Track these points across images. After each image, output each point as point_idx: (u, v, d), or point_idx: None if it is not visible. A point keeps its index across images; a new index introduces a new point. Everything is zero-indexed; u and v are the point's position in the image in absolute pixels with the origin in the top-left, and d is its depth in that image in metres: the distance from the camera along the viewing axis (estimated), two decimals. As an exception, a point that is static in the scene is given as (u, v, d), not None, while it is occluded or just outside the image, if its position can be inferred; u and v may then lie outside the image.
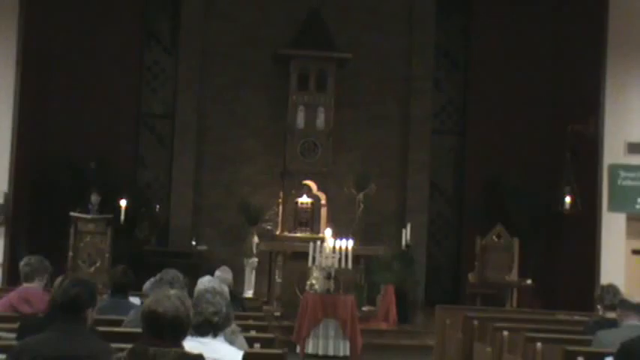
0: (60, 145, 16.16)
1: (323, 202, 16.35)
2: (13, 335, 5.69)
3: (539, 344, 7.73)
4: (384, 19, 18.08)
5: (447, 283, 18.15)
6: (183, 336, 3.97)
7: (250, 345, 5.99)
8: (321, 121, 16.57)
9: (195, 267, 14.61)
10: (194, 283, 6.92)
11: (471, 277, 15.74)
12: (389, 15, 18.13)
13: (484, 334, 9.47)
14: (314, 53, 16.55)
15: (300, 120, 16.58)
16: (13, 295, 7.32)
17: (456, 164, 18.57)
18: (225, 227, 17.22)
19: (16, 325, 5.84)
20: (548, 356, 7.49)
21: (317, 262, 12.59)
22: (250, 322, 7.85)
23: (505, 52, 17.48)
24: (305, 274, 13.20)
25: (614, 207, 14.78)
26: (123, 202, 15.36)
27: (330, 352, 11.96)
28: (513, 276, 15.17)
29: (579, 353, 6.76)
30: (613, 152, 14.88)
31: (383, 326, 13.83)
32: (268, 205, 16.53)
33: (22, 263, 7.42)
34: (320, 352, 11.94)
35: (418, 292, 16.73)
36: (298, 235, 16.02)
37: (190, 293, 5.30)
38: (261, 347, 6.34)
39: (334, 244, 12.70)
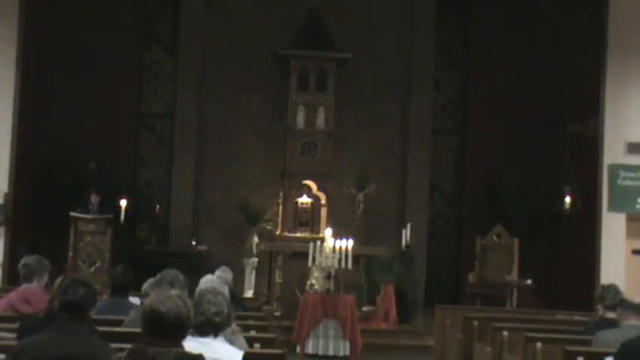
0: (60, 145, 16.16)
1: (323, 202, 16.34)
2: (13, 335, 5.69)
3: (539, 344, 7.73)
4: (384, 19, 18.08)
5: (447, 283, 18.15)
6: (183, 336, 3.97)
7: (250, 345, 5.99)
8: (321, 121, 16.57)
9: (195, 267, 14.61)
10: (194, 283, 6.91)
11: (471, 277, 15.75)
12: (389, 15, 18.14)
13: (484, 334, 9.47)
14: (314, 53, 16.55)
15: (300, 120, 16.58)
16: (13, 295, 7.32)
17: (456, 164, 18.58)
18: (225, 227, 17.23)
19: (16, 325, 5.84)
20: (548, 356, 7.49)
21: (317, 262, 12.59)
22: (250, 322, 7.85)
23: (505, 52, 17.48)
24: (305, 274, 13.20)
25: (614, 207, 14.77)
26: (123, 202, 15.37)
27: (330, 352, 11.96)
28: (513, 276, 15.17)
29: (579, 353, 6.76)
30: (613, 152, 14.88)
31: (383, 326, 13.82)
32: (268, 205, 16.52)
33: (20, 265, 7.42)
34: (320, 352, 11.94)
35: (418, 292, 16.72)
36: (298, 235, 16.01)
37: (191, 293, 5.30)
38: (261, 347, 6.34)
39: (334, 244, 12.69)
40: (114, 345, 4.60)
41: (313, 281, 12.61)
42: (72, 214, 14.67)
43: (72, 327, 4.56)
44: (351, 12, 17.83)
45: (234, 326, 5.45)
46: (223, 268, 8.69)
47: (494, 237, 15.71)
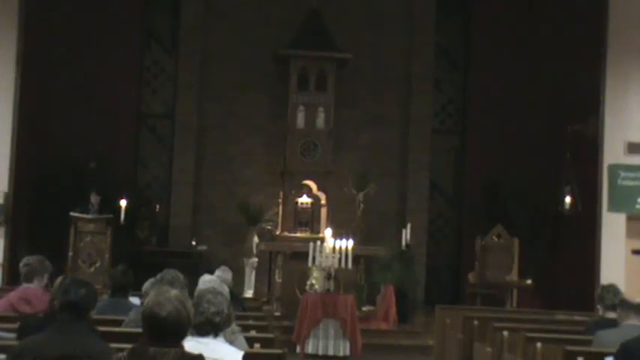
0: (60, 145, 16.16)
1: (323, 202, 16.35)
2: (13, 335, 5.69)
3: (539, 344, 7.72)
4: (384, 19, 18.09)
5: (447, 283, 18.15)
6: (183, 337, 3.96)
7: (250, 345, 5.99)
8: (321, 121, 16.58)
9: (195, 267, 14.63)
10: (194, 283, 6.91)
11: (471, 277, 15.75)
12: (389, 15, 18.14)
13: (484, 334, 9.47)
14: (314, 53, 16.55)
15: (300, 120, 16.59)
16: (13, 295, 7.31)
17: (456, 164, 18.58)
18: (225, 227, 17.23)
19: (16, 325, 5.84)
20: (548, 356, 7.48)
21: (317, 262, 12.59)
22: (250, 322, 7.85)
23: (505, 52, 17.48)
24: (305, 274, 13.20)
25: (614, 207, 14.76)
26: (123, 202, 15.36)
27: (330, 352, 11.96)
28: (513, 276, 15.18)
29: (579, 353, 6.76)
30: (613, 152, 14.86)
31: (383, 326, 13.82)
32: (268, 205, 16.54)
33: (21, 264, 7.42)
34: (320, 352, 11.94)
35: (418, 292, 16.71)
36: (298, 235, 16.02)
37: (191, 293, 5.30)
38: (261, 347, 6.34)
39: (334, 244, 12.69)
40: (114, 345, 4.60)
41: (313, 281, 12.62)
42: (72, 214, 14.65)
43: (72, 327, 4.57)
44: (351, 12, 17.83)
45: (234, 326, 5.45)
46: (223, 268, 8.69)
47: (494, 237, 15.72)
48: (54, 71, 16.35)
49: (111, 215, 14.92)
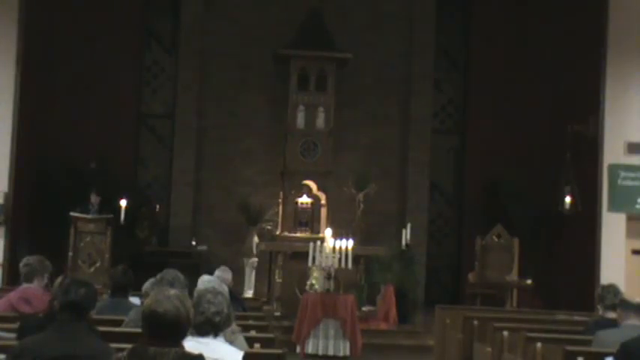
0: (60, 145, 16.16)
1: (323, 202, 16.35)
2: (13, 335, 5.69)
3: (539, 344, 7.73)
4: (384, 19, 18.09)
5: (447, 283, 18.16)
6: (183, 336, 3.97)
7: (250, 345, 5.99)
8: (321, 121, 16.58)
9: (195, 267, 14.62)
10: (194, 283, 6.91)
11: (471, 277, 15.76)
12: (389, 15, 18.14)
13: (484, 334, 9.47)
14: (314, 53, 16.55)
15: (300, 120, 16.59)
16: (13, 295, 7.31)
17: (456, 164, 18.58)
18: (225, 227, 17.22)
19: (16, 325, 5.84)
20: (548, 356, 7.49)
21: (317, 262, 12.59)
22: (250, 322, 7.85)
23: (505, 52, 17.48)
24: (305, 274, 13.20)
25: (614, 207, 14.76)
26: (123, 202, 15.35)
27: (330, 352, 11.97)
28: (513, 276, 15.18)
29: (579, 353, 6.76)
30: (613, 152, 14.87)
31: (383, 326, 13.82)
32: (268, 205, 16.53)
33: (21, 264, 7.42)
34: (320, 352, 11.94)
35: (418, 292, 16.70)
36: (298, 235, 16.02)
37: (190, 293, 5.30)
38: (261, 347, 6.34)
39: (334, 244, 12.69)
40: (114, 345, 4.60)
41: (313, 281, 12.62)
42: (72, 214, 14.65)
43: (72, 327, 4.57)
44: (351, 12, 17.83)
45: (234, 326, 5.45)
46: (223, 268, 8.70)
47: (494, 237, 15.73)
48: (54, 71, 16.35)
49: (111, 215, 14.91)
